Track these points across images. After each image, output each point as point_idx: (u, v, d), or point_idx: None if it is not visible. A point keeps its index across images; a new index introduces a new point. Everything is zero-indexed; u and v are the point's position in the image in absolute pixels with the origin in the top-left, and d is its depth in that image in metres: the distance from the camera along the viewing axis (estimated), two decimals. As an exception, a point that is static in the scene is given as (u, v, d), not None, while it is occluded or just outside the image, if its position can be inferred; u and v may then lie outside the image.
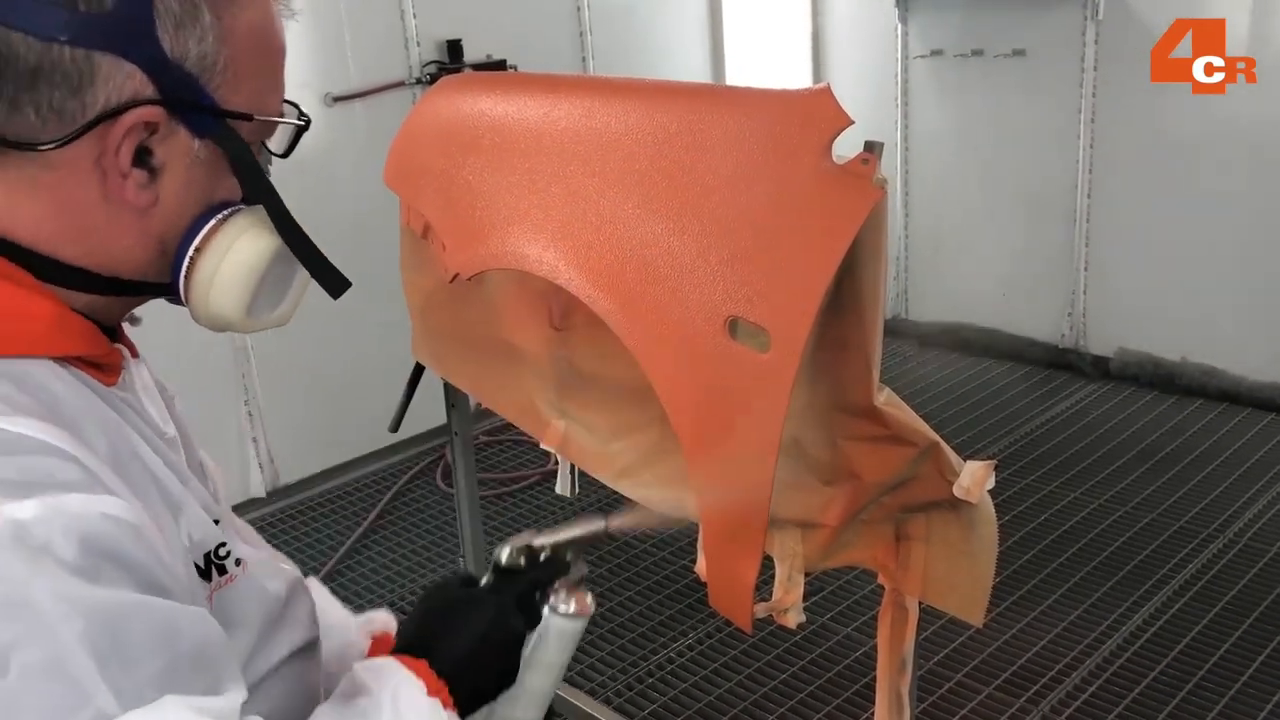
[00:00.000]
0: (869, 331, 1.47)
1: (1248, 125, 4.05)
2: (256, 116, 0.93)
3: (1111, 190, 4.49)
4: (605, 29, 4.64)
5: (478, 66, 4.15)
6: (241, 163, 0.92)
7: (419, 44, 4.07)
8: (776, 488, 1.42)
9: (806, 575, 1.69)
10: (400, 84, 4.04)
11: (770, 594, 1.73)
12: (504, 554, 1.15)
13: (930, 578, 1.56)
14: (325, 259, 1.03)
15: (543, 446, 2.03)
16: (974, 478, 1.49)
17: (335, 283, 1.05)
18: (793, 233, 1.39)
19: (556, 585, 1.13)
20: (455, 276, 1.92)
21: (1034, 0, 4.46)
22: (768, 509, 1.46)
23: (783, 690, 2.79)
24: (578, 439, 1.96)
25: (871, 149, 1.36)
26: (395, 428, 2.46)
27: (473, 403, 2.48)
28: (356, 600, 3.33)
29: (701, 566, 1.94)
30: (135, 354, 0.96)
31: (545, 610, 1.12)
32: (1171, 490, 3.66)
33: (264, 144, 1.00)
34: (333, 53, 3.86)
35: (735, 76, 5.24)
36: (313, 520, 3.83)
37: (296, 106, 1.02)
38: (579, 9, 4.57)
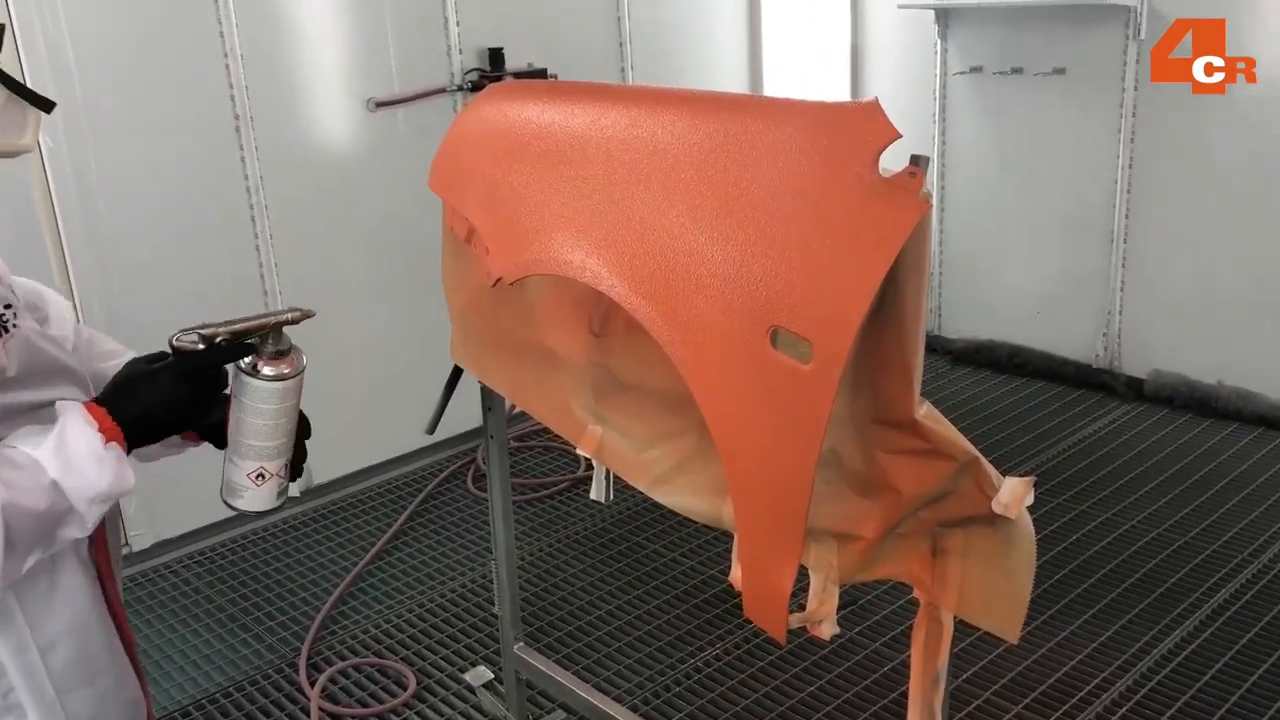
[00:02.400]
0: (910, 345, 1.47)
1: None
2: None
3: (1150, 210, 4.46)
4: (645, 39, 4.67)
5: (519, 74, 4.19)
6: None
7: (461, 51, 4.11)
8: (814, 498, 1.43)
9: (841, 587, 1.70)
10: (442, 90, 4.08)
11: (803, 605, 1.74)
12: (173, 339, 1.36)
13: (966, 593, 1.56)
14: (29, 90, 1.32)
15: (578, 452, 2.04)
16: (1013, 494, 1.49)
17: (41, 102, 1.33)
18: (838, 244, 1.39)
19: (251, 357, 1.37)
20: (498, 281, 1.94)
21: (1075, 19, 4.45)
22: (805, 519, 1.46)
23: (811, 703, 2.79)
24: (614, 445, 1.98)
25: (918, 163, 1.37)
26: (432, 429, 2.48)
27: (508, 406, 2.49)
28: (387, 601, 3.36)
29: (736, 576, 1.95)
30: None
31: (235, 372, 1.38)
32: (1205, 514, 3.63)
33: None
34: (376, 59, 3.90)
35: (774, 89, 5.24)
36: (345, 520, 3.86)
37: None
38: (619, 19, 4.60)
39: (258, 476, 1.42)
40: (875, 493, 1.57)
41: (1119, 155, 4.46)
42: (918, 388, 1.50)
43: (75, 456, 1.24)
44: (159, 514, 3.62)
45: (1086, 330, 4.73)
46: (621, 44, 4.62)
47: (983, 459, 1.50)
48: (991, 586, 1.54)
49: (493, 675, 2.87)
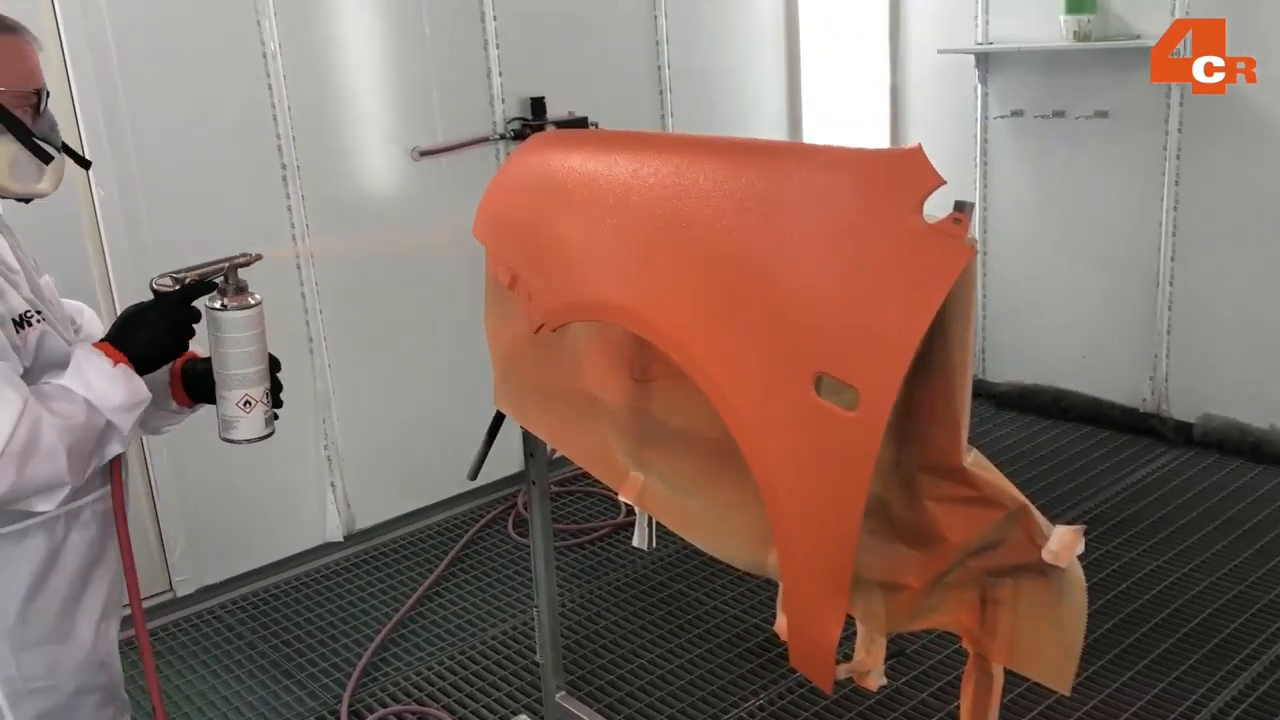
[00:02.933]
0: (957, 392, 1.46)
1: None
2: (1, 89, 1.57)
3: (1196, 253, 4.41)
4: (684, 87, 4.71)
5: (560, 123, 4.23)
6: None
7: (504, 101, 4.17)
8: (860, 547, 1.41)
9: (888, 637, 1.68)
10: (485, 139, 4.13)
11: (849, 654, 1.72)
12: (152, 283, 1.66)
13: (1017, 644, 1.53)
14: (39, 147, 1.61)
15: (620, 498, 2.04)
16: (1063, 542, 1.46)
17: (42, 155, 1.62)
18: (883, 291, 1.39)
19: (216, 295, 1.67)
20: (540, 327, 1.95)
21: (1117, 63, 4.43)
22: (851, 568, 1.45)
23: (855, 755, 2.74)
24: (656, 491, 1.97)
25: (962, 208, 1.36)
26: (474, 475, 2.49)
27: (548, 450, 2.49)
28: (428, 648, 3.35)
29: (781, 625, 1.93)
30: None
31: (209, 314, 1.67)
32: (1260, 563, 3.55)
33: (38, 108, 1.63)
34: (420, 109, 3.97)
35: (813, 135, 5.26)
36: (387, 566, 3.87)
37: (41, 91, 1.63)
38: (659, 68, 4.65)
39: (245, 404, 1.69)
40: (923, 542, 1.55)
41: (1163, 198, 4.42)
42: (965, 434, 1.48)
43: (93, 378, 1.56)
44: (203, 560, 3.65)
45: (1133, 374, 4.67)
46: (661, 92, 4.67)
47: (1032, 507, 1.48)
48: (1042, 637, 1.51)
49: (534, 724, 2.85)
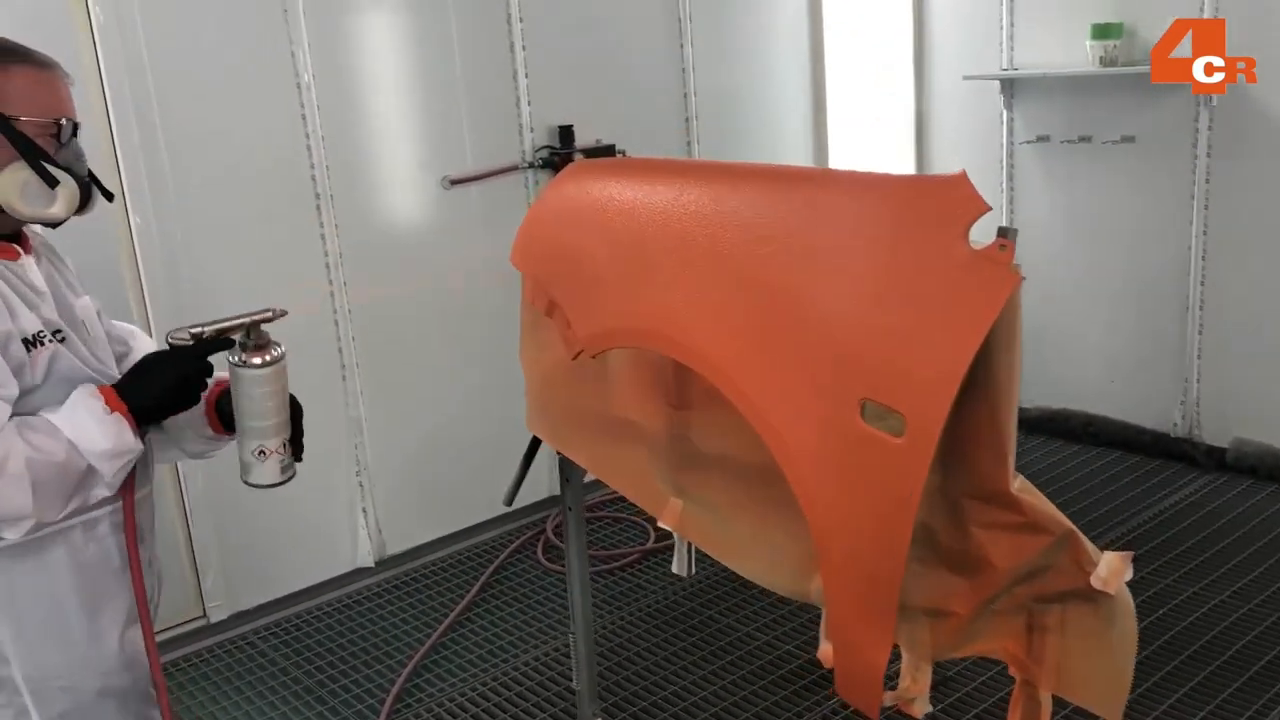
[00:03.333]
0: (1003, 417, 1.46)
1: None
2: (22, 118, 1.64)
3: (1226, 277, 4.39)
4: (711, 114, 4.74)
5: (588, 151, 4.26)
6: (8, 134, 1.62)
7: (532, 130, 4.21)
8: (905, 574, 1.41)
9: (934, 664, 1.67)
10: (514, 168, 4.17)
11: (892, 682, 1.71)
12: (169, 336, 1.69)
13: (1066, 671, 1.52)
14: (52, 175, 1.65)
15: (660, 524, 2.04)
16: (1111, 569, 1.46)
17: (50, 179, 1.65)
18: (930, 317, 1.39)
19: (237, 351, 1.68)
20: (579, 354, 1.96)
21: (1143, 87, 4.43)
22: (898, 594, 1.44)
23: (892, 783, 2.72)
24: (695, 517, 1.97)
25: (1006, 235, 1.37)
26: (510, 501, 2.50)
27: (588, 476, 2.50)
28: (461, 674, 3.35)
29: (825, 652, 1.93)
30: (29, 251, 1.72)
31: (230, 367, 1.69)
32: (1299, 589, 3.52)
33: (60, 138, 1.69)
34: (451, 138, 4.01)
35: (838, 160, 5.28)
36: (418, 592, 3.88)
37: (64, 121, 1.70)
38: (685, 95, 4.68)
39: (259, 453, 1.72)
40: (969, 568, 1.55)
41: (1192, 222, 4.41)
42: (1012, 460, 1.48)
43: (82, 420, 1.60)
44: (236, 586, 3.67)
45: (1164, 399, 4.64)
46: (688, 119, 4.70)
47: (1079, 533, 1.48)
48: (1091, 664, 1.50)
49: (568, 751, 2.84)
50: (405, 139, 3.93)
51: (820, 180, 1.63)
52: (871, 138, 5.39)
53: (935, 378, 1.36)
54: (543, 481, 4.43)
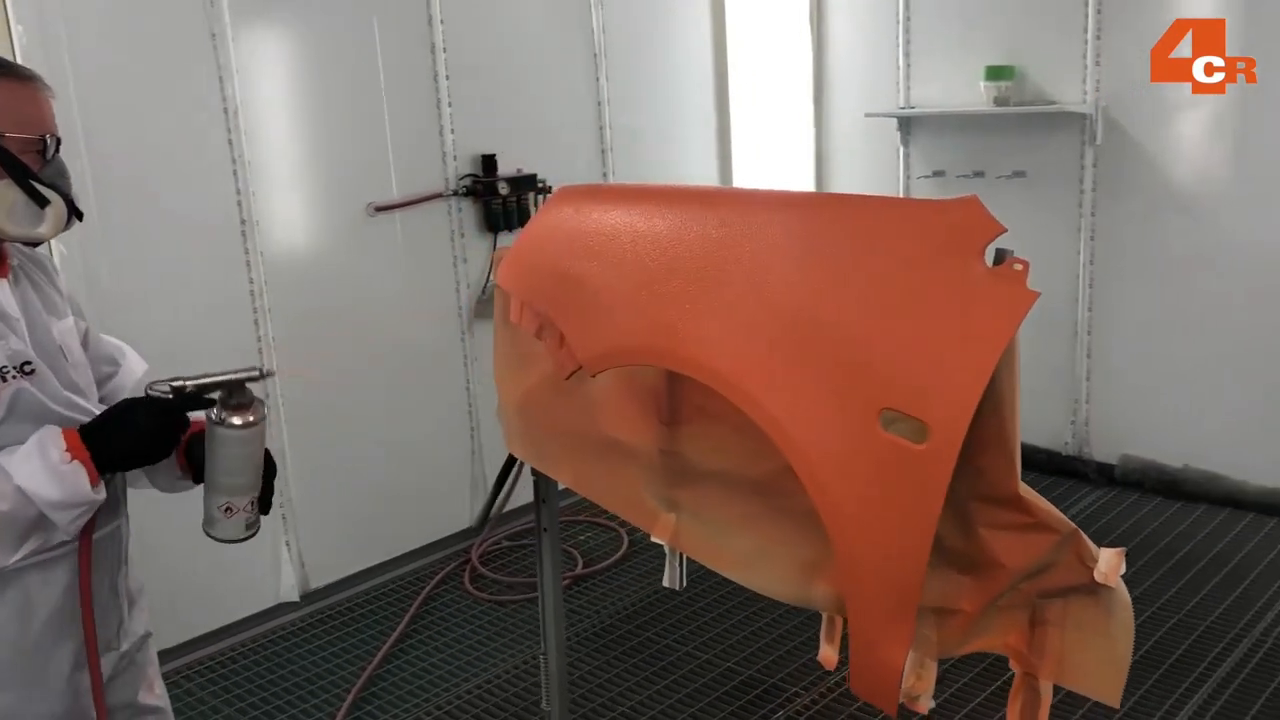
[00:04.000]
0: (1009, 425, 1.57)
1: (1244, 240, 4.28)
2: (7, 134, 1.59)
3: (1112, 304, 4.69)
4: (625, 147, 4.84)
5: (510, 179, 4.30)
6: None
7: (455, 158, 4.22)
8: (919, 575, 1.50)
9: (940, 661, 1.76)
10: (438, 195, 4.17)
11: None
12: (148, 387, 1.63)
13: (1067, 661, 1.63)
14: (36, 190, 1.61)
15: (653, 539, 2.08)
16: (1110, 564, 1.58)
17: (39, 198, 1.61)
18: (952, 330, 1.49)
19: (217, 408, 1.63)
20: (573, 373, 2.00)
21: (1033, 126, 4.72)
22: (920, 594, 1.53)
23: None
24: (690, 531, 2.02)
25: (1002, 256, 1.49)
26: (481, 525, 2.51)
27: (573, 492, 2.52)
28: (402, 705, 3.31)
29: (826, 655, 2.00)
30: (5, 274, 1.66)
31: (208, 422, 1.65)
32: (1192, 593, 3.76)
33: (44, 154, 1.64)
34: (377, 166, 3.99)
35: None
36: (345, 625, 3.81)
37: (49, 138, 1.65)
38: (601, 128, 4.76)
39: (226, 509, 1.68)
40: (977, 568, 1.64)
41: (1080, 252, 4.70)
42: (1018, 467, 1.59)
43: (36, 468, 1.53)
44: (156, 622, 3.52)
45: (1055, 419, 4.91)
46: (604, 150, 4.78)
47: (1081, 531, 1.59)
48: (1092, 653, 1.61)
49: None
50: (331, 165, 3.90)
51: (840, 204, 1.71)
52: (774, 171, 5.56)
53: (959, 387, 1.45)
54: (465, 510, 4.42)
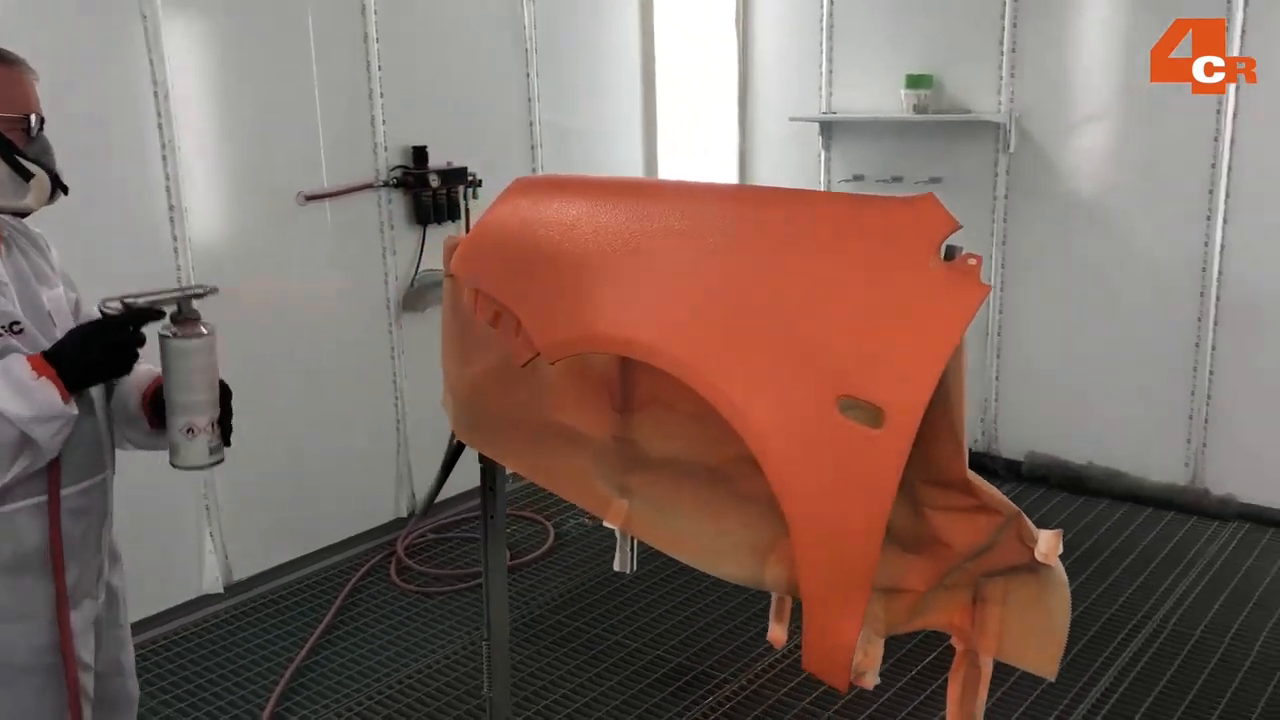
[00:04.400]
0: (957, 412, 1.65)
1: (1145, 247, 4.51)
2: None
3: (1019, 306, 4.88)
4: (554, 144, 4.87)
5: (441, 172, 4.30)
6: None
7: (386, 149, 4.21)
8: (869, 555, 1.57)
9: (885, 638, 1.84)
10: (369, 185, 4.15)
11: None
12: (101, 305, 1.70)
13: (1007, 637, 1.72)
14: (20, 164, 1.70)
15: (605, 524, 2.13)
16: (1049, 544, 1.67)
17: (24, 173, 1.70)
18: (909, 321, 1.57)
19: (167, 323, 1.71)
20: (530, 360, 2.04)
21: (950, 134, 4.89)
22: (873, 574, 1.60)
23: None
24: (644, 517, 2.07)
25: (953, 255, 1.58)
26: (424, 513, 2.52)
27: (517, 478, 2.55)
28: (331, 695, 3.30)
29: (775, 635, 2.07)
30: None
31: (160, 342, 1.71)
32: (1097, 582, 3.95)
33: (29, 132, 1.74)
34: (308, 156, 3.96)
35: (668, 192, 5.50)
36: (270, 617, 3.77)
37: (33, 117, 1.74)
38: (531, 124, 4.79)
39: (187, 431, 1.73)
40: (925, 548, 1.73)
41: (991, 256, 4.88)
42: (966, 450, 1.68)
43: (5, 391, 1.61)
44: (76, 616, 3.46)
45: (966, 418, 5.07)
46: (533, 146, 4.81)
47: (1023, 513, 1.69)
48: (1031, 629, 1.71)
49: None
50: (262, 153, 3.85)
51: (801, 199, 1.78)
52: (698, 171, 5.65)
53: (915, 375, 1.53)
54: (390, 503, 4.41)
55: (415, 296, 4.35)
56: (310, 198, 3.97)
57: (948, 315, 1.55)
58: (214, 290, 1.78)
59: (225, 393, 1.81)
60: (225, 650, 3.55)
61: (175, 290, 1.73)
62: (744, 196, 1.82)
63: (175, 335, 1.72)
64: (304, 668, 3.44)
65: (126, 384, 1.90)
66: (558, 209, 2.00)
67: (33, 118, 1.74)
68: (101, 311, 1.71)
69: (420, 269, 4.35)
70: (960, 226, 1.57)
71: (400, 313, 4.33)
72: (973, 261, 1.56)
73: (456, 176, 4.38)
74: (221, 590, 3.83)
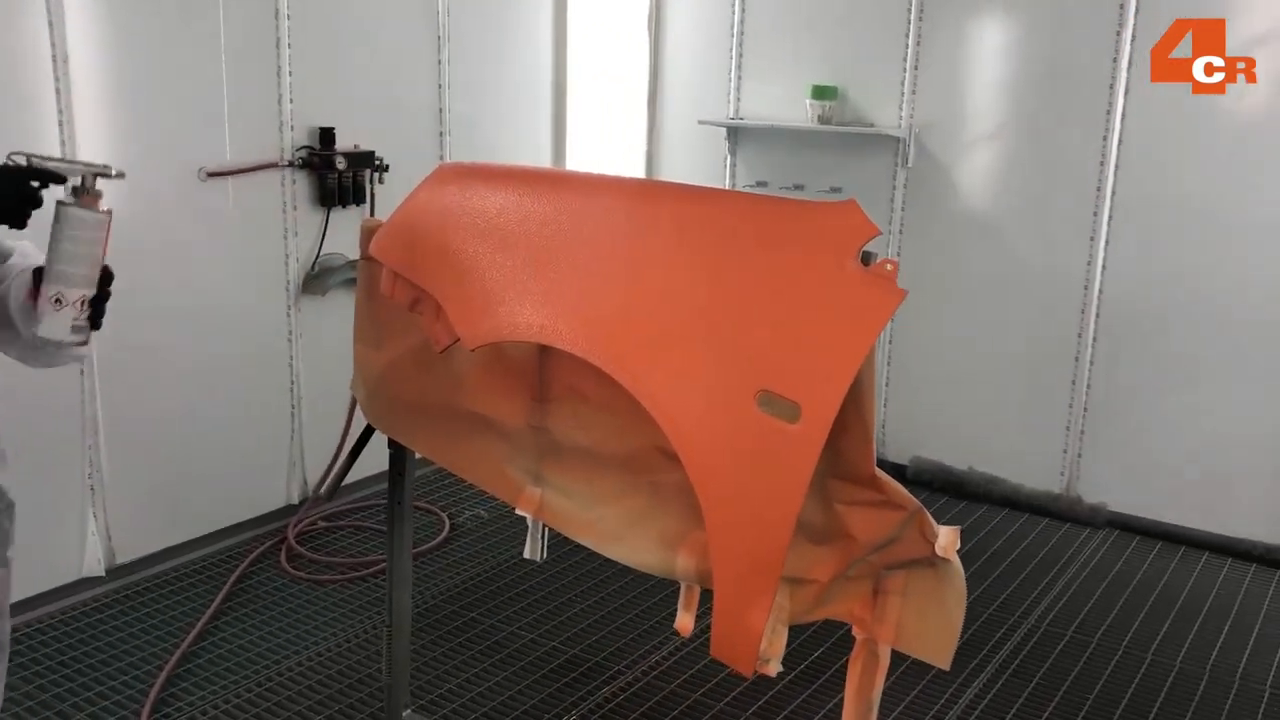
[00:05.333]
0: (867, 411, 1.72)
1: (1031, 263, 4.71)
2: None
3: (909, 317, 5.02)
4: (461, 133, 4.85)
5: (348, 155, 4.25)
6: None
7: (293, 128, 4.14)
8: (778, 546, 1.63)
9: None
10: (273, 165, 4.08)
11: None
12: (8, 156, 1.71)
13: (905, 628, 1.80)
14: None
15: (518, 511, 2.15)
16: (948, 539, 1.76)
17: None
18: (827, 321, 1.63)
19: (69, 191, 1.72)
20: (448, 346, 2.05)
21: (851, 145, 5.02)
22: (783, 564, 1.66)
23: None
24: (556, 504, 2.10)
25: (869, 260, 1.65)
26: (330, 495, 2.50)
27: (426, 466, 2.54)
28: (219, 681, 3.23)
29: (682, 623, 2.12)
30: None
31: (58, 206, 1.71)
32: (975, 584, 4.10)
33: None
34: (212, 130, 3.86)
35: (574, 187, 5.52)
36: (154, 601, 3.67)
37: None
38: (440, 111, 4.76)
39: (55, 300, 1.72)
40: (831, 540, 1.80)
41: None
42: (874, 448, 1.75)
43: None
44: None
45: (857, 421, 5.22)
46: (441, 134, 4.78)
47: (925, 509, 1.77)
48: (927, 620, 1.79)
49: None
50: (164, 126, 3.74)
51: (728, 199, 1.84)
52: (606, 167, 5.68)
53: (832, 372, 1.59)
54: (281, 489, 4.34)
55: (316, 280, 4.28)
56: (212, 174, 3.87)
57: (865, 317, 1.62)
58: (121, 175, 1.79)
59: (106, 278, 1.79)
60: (106, 635, 3.44)
61: (81, 163, 1.75)
62: (672, 193, 1.86)
63: (75, 204, 1.72)
64: (190, 653, 3.37)
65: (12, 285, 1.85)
66: (483, 196, 2.01)
67: None
68: (6, 161, 1.71)
69: (322, 252, 4.29)
70: (880, 233, 1.64)
71: (300, 296, 4.26)
72: (889, 267, 1.64)
73: (364, 160, 4.33)
74: (103, 573, 3.71)
